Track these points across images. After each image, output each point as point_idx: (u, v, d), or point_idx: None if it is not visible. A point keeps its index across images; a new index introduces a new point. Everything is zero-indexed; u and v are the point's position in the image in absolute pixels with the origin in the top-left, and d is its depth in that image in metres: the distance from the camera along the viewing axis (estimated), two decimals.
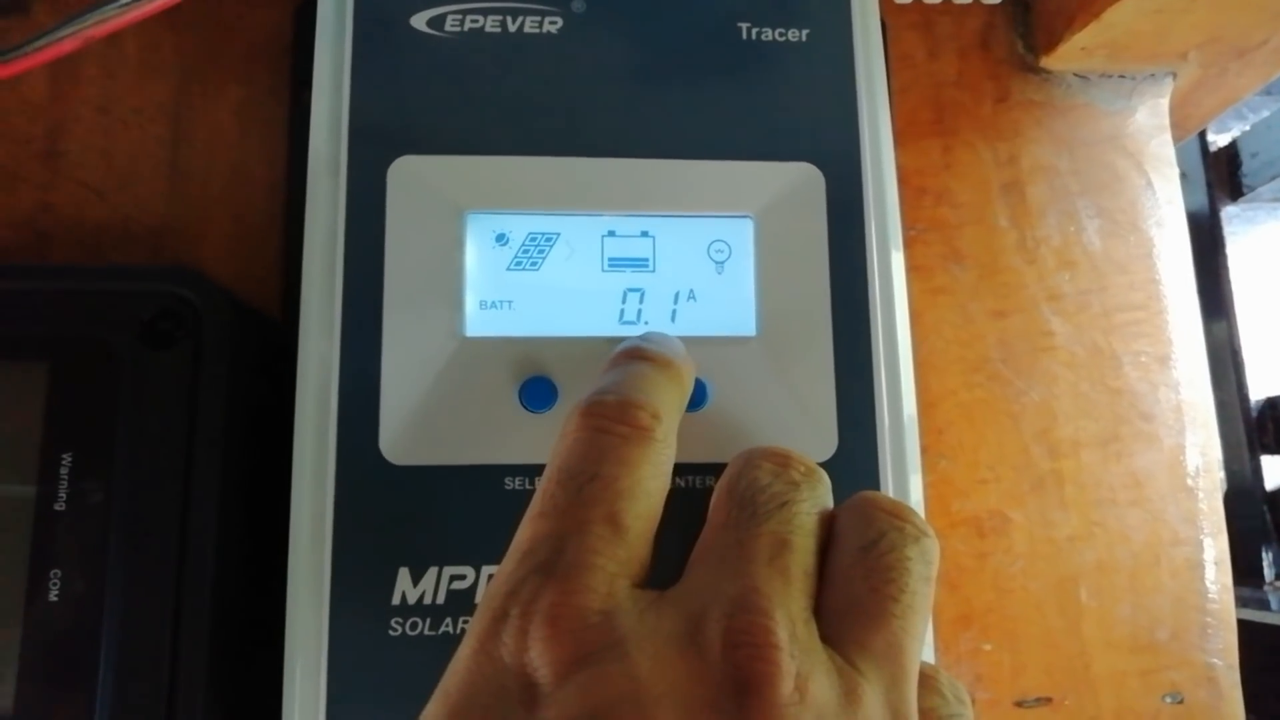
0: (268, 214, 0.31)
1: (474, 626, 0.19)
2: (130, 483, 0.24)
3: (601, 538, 0.20)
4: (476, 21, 0.27)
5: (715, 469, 0.25)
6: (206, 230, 0.31)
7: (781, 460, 0.22)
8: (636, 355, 0.24)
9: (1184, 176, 0.77)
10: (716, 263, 0.27)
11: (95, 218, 0.31)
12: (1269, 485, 0.68)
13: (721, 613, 0.19)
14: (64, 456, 0.24)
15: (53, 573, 0.23)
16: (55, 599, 0.23)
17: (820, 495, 0.22)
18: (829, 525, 0.22)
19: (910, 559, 0.21)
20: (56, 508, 0.24)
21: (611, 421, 0.21)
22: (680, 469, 0.25)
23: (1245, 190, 0.70)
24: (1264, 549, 0.66)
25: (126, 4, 0.25)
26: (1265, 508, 0.67)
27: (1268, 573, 0.65)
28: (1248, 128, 0.71)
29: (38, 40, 0.25)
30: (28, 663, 0.23)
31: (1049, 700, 0.31)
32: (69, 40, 0.25)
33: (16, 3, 0.32)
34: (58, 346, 0.24)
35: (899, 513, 0.21)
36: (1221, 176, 0.71)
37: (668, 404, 0.23)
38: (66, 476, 0.24)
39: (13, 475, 0.24)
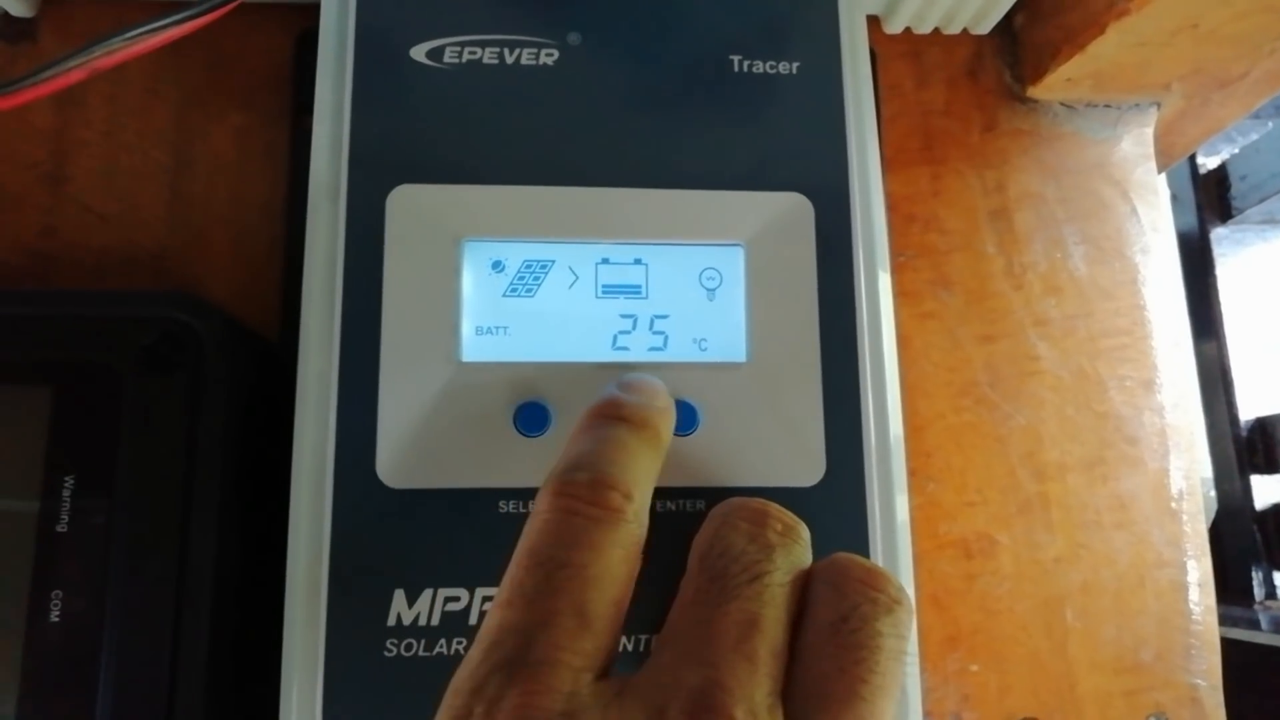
0: (267, 238, 0.32)
1: None
2: (131, 505, 0.24)
3: (569, 631, 0.19)
4: (474, 54, 0.28)
5: (705, 493, 0.26)
6: (207, 254, 0.32)
7: (758, 519, 0.22)
8: (613, 414, 0.23)
9: (1174, 198, 0.78)
10: (708, 290, 0.27)
11: (98, 241, 0.32)
12: (1259, 505, 0.68)
13: (681, 709, 0.19)
14: (66, 479, 0.24)
15: (54, 593, 0.24)
16: (56, 619, 0.24)
17: (796, 556, 0.22)
18: (803, 590, 0.22)
19: (882, 634, 0.20)
20: (58, 529, 0.24)
21: (583, 503, 0.21)
22: (671, 493, 0.26)
23: (1234, 212, 0.70)
24: (1254, 568, 0.66)
25: (133, 36, 0.26)
26: (1255, 527, 0.68)
27: (1257, 592, 0.66)
28: (1237, 151, 0.72)
29: (45, 71, 0.25)
30: (28, 682, 0.23)
31: None
32: (76, 71, 0.25)
33: (24, 30, 0.32)
34: (61, 370, 0.25)
35: (872, 581, 0.21)
36: (1211, 199, 0.72)
37: (642, 476, 0.22)
38: (69, 498, 0.24)
39: (16, 497, 0.24)
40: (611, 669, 0.21)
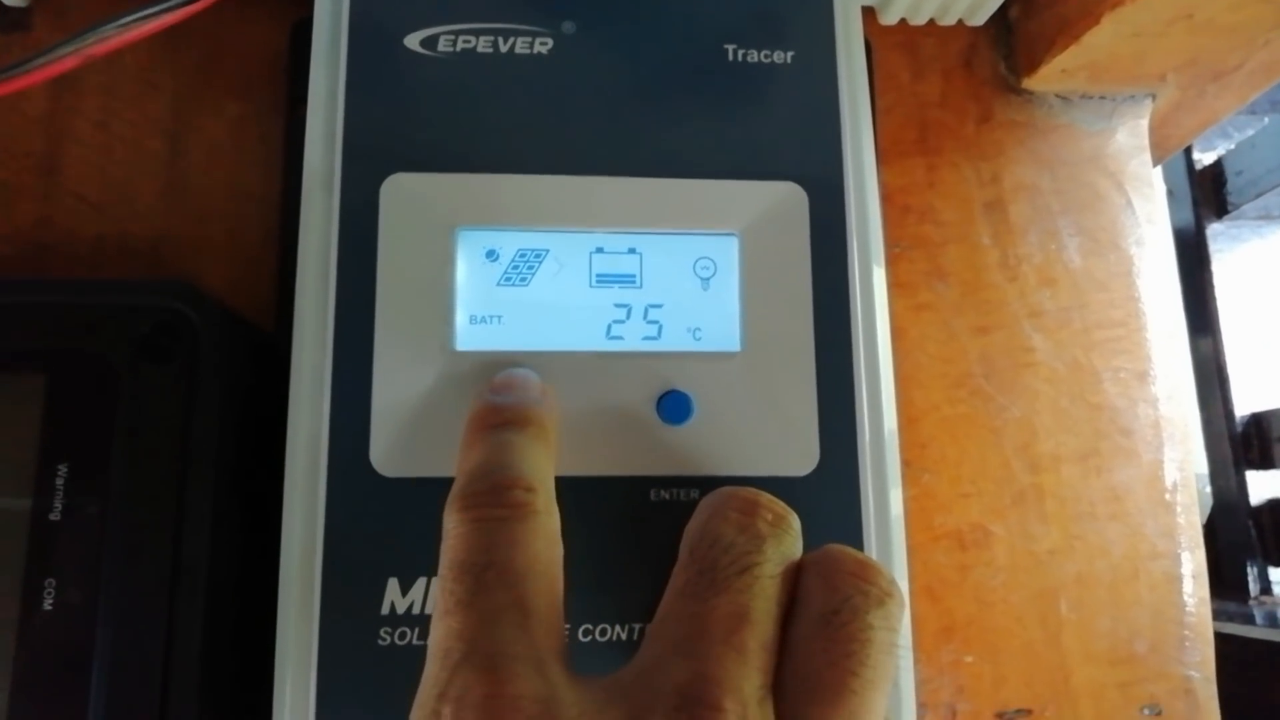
0: (262, 227, 0.32)
1: None
2: (125, 494, 0.24)
3: (514, 624, 0.20)
4: (469, 42, 0.28)
5: (698, 482, 0.26)
6: (202, 243, 0.32)
7: (749, 509, 0.22)
8: (494, 420, 0.23)
9: (1170, 194, 0.78)
10: (702, 279, 0.27)
11: (93, 231, 0.32)
12: (1254, 500, 0.68)
13: (670, 703, 0.19)
14: (60, 467, 0.24)
15: (47, 582, 0.24)
16: (49, 608, 0.24)
17: (787, 547, 0.22)
18: (794, 582, 0.22)
19: (873, 627, 0.20)
20: (52, 518, 0.24)
21: (489, 508, 0.21)
22: (664, 482, 0.26)
23: (1230, 208, 0.70)
24: (1249, 564, 0.67)
25: (127, 23, 0.26)
26: (1250, 523, 0.68)
27: (1252, 587, 0.66)
28: (1233, 146, 0.72)
29: (38, 58, 0.25)
30: (21, 672, 0.23)
31: (1029, 712, 0.32)
32: (70, 58, 0.25)
33: (18, 20, 0.32)
34: (56, 359, 0.25)
35: (863, 574, 0.21)
36: (1207, 194, 0.72)
37: (539, 468, 0.22)
38: (62, 487, 0.24)
39: (9, 485, 0.24)
40: (569, 657, 0.20)
